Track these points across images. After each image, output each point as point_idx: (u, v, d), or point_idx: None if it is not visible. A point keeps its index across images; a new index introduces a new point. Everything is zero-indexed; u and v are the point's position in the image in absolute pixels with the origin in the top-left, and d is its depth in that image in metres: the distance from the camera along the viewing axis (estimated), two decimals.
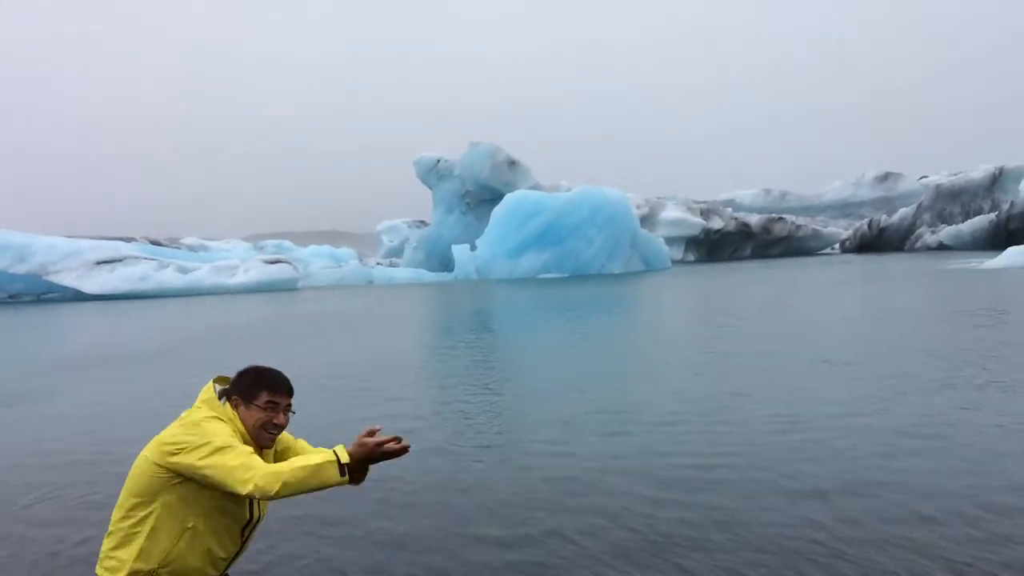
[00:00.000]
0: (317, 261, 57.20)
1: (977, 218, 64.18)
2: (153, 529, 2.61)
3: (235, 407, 2.80)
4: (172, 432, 2.68)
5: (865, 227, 75.22)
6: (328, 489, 2.59)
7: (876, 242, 72.86)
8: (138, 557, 2.61)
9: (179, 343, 18.45)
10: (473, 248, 51.81)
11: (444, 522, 5.27)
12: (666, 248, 56.11)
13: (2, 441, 8.75)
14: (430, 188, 63.36)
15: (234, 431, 2.74)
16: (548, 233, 48.90)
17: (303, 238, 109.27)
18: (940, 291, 24.95)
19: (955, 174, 71.91)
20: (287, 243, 75.53)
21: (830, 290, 27.69)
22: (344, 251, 66.24)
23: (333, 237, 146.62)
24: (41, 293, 46.17)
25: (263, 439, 2.83)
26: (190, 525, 2.64)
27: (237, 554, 2.82)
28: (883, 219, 74.31)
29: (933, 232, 67.33)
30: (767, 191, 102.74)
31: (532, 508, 5.44)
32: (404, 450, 2.62)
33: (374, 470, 2.77)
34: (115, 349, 18.04)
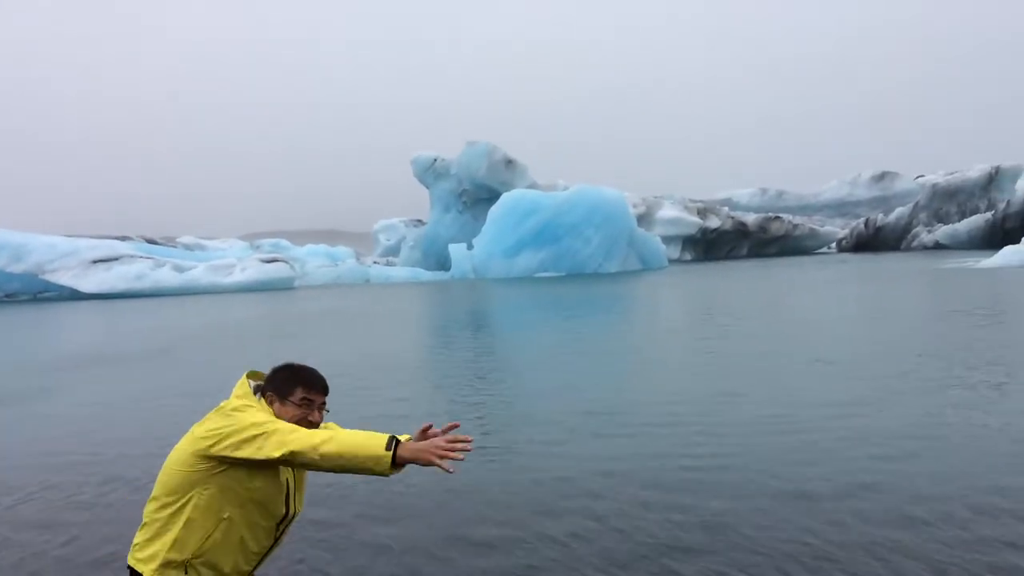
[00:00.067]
0: (314, 260, 57.10)
1: (973, 217, 64.30)
2: (189, 519, 2.60)
3: (270, 403, 2.80)
4: (210, 420, 2.67)
5: (861, 226, 75.34)
6: (368, 473, 2.52)
7: (872, 241, 72.98)
8: (172, 547, 2.59)
9: (175, 342, 18.40)
10: (470, 247, 51.81)
11: (431, 524, 5.25)
12: (663, 247, 56.13)
13: None
14: (427, 187, 63.32)
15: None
16: (545, 232, 48.90)
17: (300, 237, 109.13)
18: (936, 290, 24.97)
19: (951, 173, 72.02)
20: (284, 242, 75.36)
21: (826, 289, 27.71)
22: (341, 250, 66.12)
23: (330, 236, 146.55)
24: (37, 292, 46.11)
25: None
26: (226, 516, 2.63)
27: (269, 551, 2.81)
28: (879, 218, 74.44)
29: (929, 231, 67.45)
30: (764, 190, 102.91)
31: (521, 510, 5.42)
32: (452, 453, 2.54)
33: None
34: (111, 348, 18.01)
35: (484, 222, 51.87)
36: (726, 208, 76.85)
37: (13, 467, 7.35)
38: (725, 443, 6.93)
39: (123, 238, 60.92)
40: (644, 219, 63.70)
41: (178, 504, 2.61)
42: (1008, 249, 36.79)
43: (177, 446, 2.70)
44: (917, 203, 72.45)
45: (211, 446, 2.59)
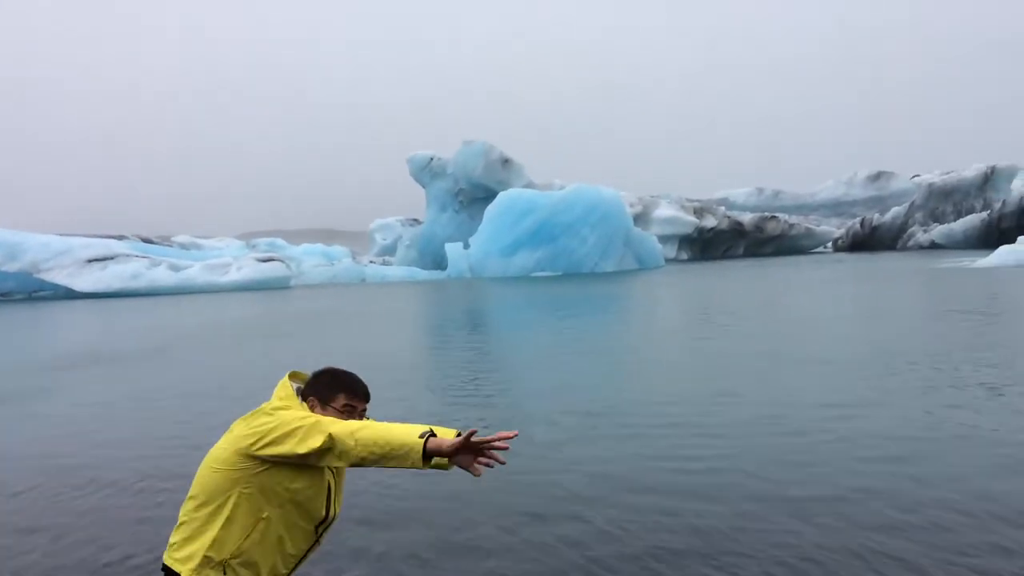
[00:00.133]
0: (310, 259, 57.07)
1: (969, 217, 64.48)
2: (228, 519, 2.58)
3: (312, 408, 2.79)
4: (252, 418, 2.66)
5: (857, 226, 75.50)
6: (403, 463, 2.46)
7: (868, 241, 73.15)
8: (211, 547, 2.57)
9: (171, 342, 18.39)
10: (466, 246, 51.84)
11: (423, 530, 5.27)
12: (659, 246, 56.22)
13: None
14: (423, 186, 63.31)
15: None
16: (541, 231, 48.94)
17: (296, 236, 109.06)
18: (931, 290, 25.05)
19: (947, 173, 72.18)
20: (280, 241, 75.31)
21: (822, 289, 27.76)
22: (337, 249, 66.08)
23: (326, 235, 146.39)
24: (32, 291, 46.04)
25: None
26: (264, 516, 2.61)
27: (307, 554, 2.79)
28: (875, 218, 74.60)
29: (925, 231, 67.61)
30: (760, 190, 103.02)
31: (513, 516, 5.44)
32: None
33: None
34: (106, 348, 17.98)
35: (480, 221, 51.91)
36: (722, 207, 77.01)
37: (11, 468, 7.35)
38: (717, 445, 6.96)
39: (119, 237, 60.80)
40: (640, 218, 63.77)
41: (217, 503, 2.59)
42: (1003, 249, 36.92)
43: (217, 444, 2.68)
44: (913, 203, 72.61)
45: (253, 444, 2.57)
